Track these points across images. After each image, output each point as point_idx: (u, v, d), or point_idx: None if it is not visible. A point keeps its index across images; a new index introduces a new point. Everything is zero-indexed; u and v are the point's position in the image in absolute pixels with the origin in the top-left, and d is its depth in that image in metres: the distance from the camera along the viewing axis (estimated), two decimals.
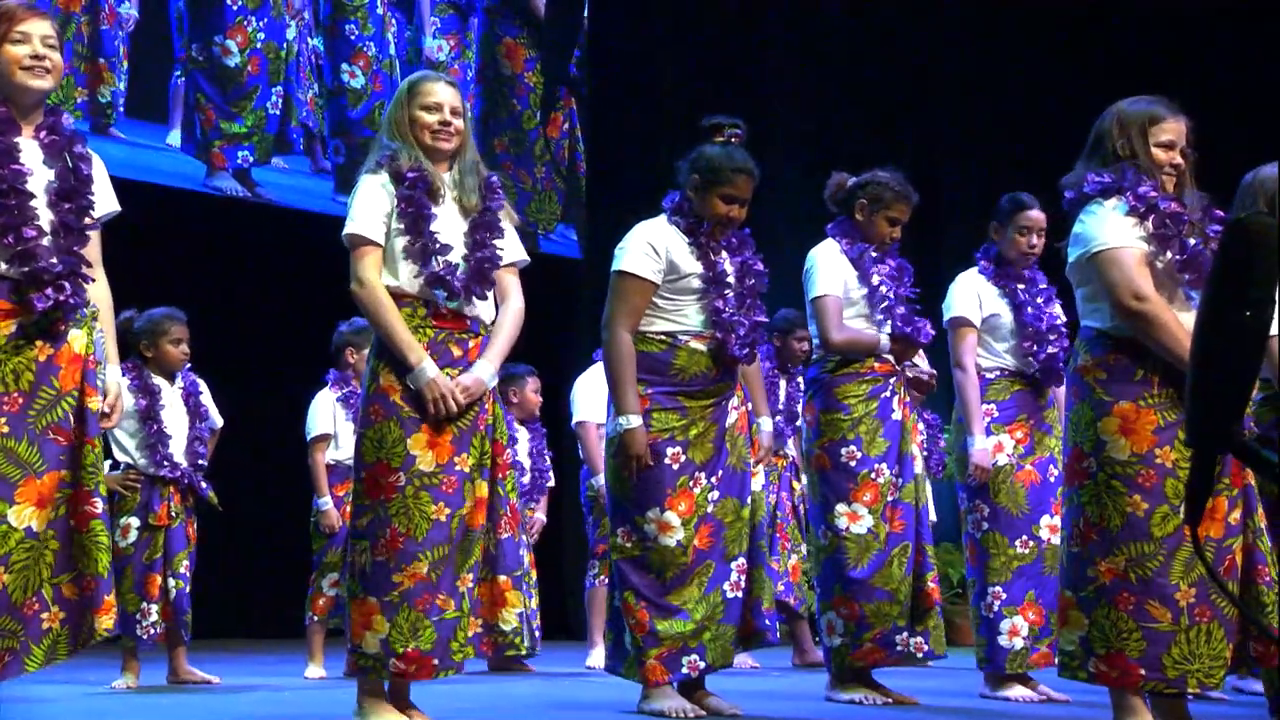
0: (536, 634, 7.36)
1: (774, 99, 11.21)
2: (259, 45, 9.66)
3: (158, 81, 9.43)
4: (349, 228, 4.36)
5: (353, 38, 10.16)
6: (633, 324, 4.92)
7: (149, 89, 9.39)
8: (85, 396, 3.93)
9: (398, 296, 4.34)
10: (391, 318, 4.30)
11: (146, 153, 9.28)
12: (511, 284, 4.52)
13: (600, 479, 7.10)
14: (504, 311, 4.49)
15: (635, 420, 4.86)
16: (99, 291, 4.07)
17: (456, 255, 4.35)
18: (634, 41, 11.39)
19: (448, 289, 4.33)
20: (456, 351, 4.36)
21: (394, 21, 10.39)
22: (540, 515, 7.60)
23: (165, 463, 6.25)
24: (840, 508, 5.34)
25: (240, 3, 9.60)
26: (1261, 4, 9.55)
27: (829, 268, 5.46)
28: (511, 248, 4.51)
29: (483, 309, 4.45)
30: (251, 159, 9.62)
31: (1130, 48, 10.36)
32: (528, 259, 4.59)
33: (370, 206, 4.36)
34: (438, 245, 4.32)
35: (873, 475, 5.35)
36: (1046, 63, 10.85)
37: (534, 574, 7.29)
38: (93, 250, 4.04)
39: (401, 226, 4.33)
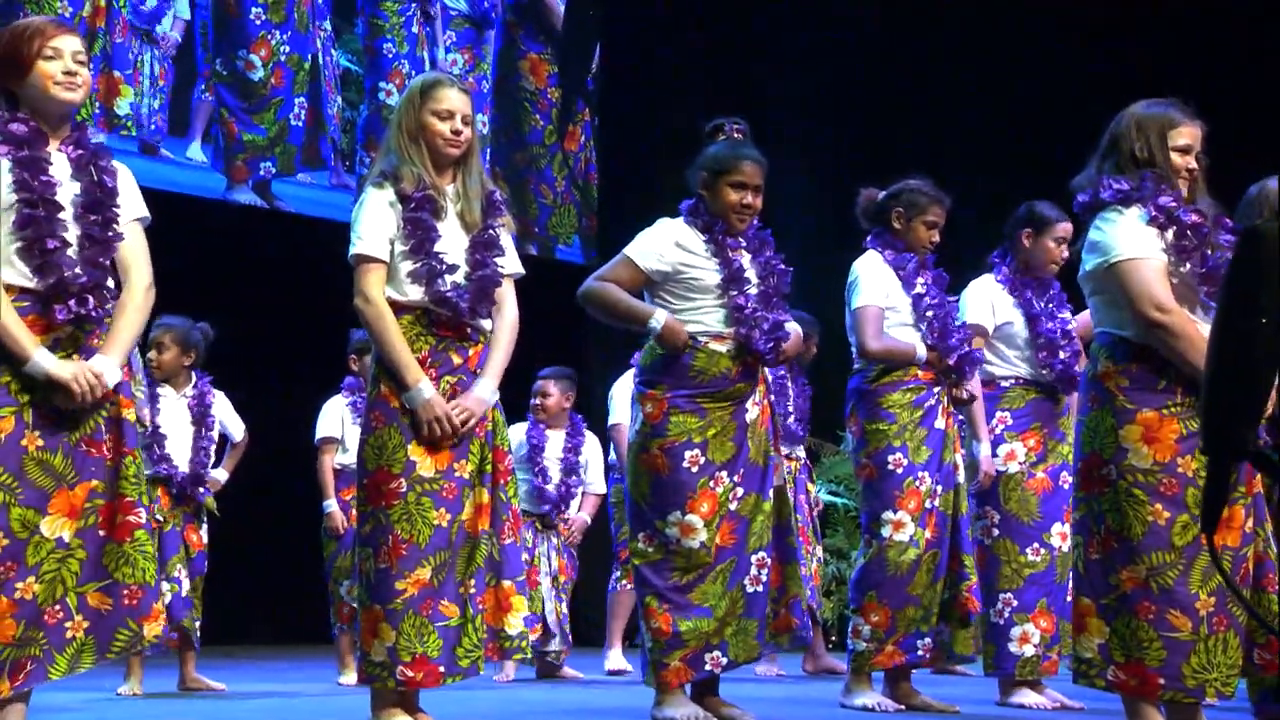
0: (568, 637, 7.29)
1: (782, 106, 11.11)
2: (282, 58, 9.62)
3: (178, 95, 9.37)
4: (356, 247, 4.32)
5: (390, 56, 10.12)
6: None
7: (169, 103, 9.34)
8: (120, 408, 3.92)
9: (401, 307, 4.31)
10: (393, 336, 4.27)
11: (167, 166, 9.23)
12: (507, 295, 4.47)
13: None
14: (500, 325, 4.43)
15: (661, 315, 4.81)
16: (137, 284, 3.99)
17: (461, 274, 4.32)
18: (643, 51, 11.31)
19: (453, 309, 4.30)
20: (457, 359, 4.33)
21: (427, 38, 10.35)
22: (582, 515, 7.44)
23: (162, 463, 6.20)
24: (886, 515, 5.30)
25: (264, 17, 9.56)
26: (1270, 6, 9.46)
27: (872, 278, 5.43)
28: (510, 261, 4.47)
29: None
30: (274, 170, 9.57)
31: (1139, 51, 10.25)
32: (522, 271, 4.54)
33: (376, 224, 4.32)
34: (444, 266, 4.29)
35: (916, 483, 5.30)
36: (1054, 67, 10.74)
37: (563, 579, 7.23)
38: (138, 247, 4.00)
39: (407, 248, 4.30)
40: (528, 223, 10.75)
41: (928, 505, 5.32)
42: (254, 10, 9.56)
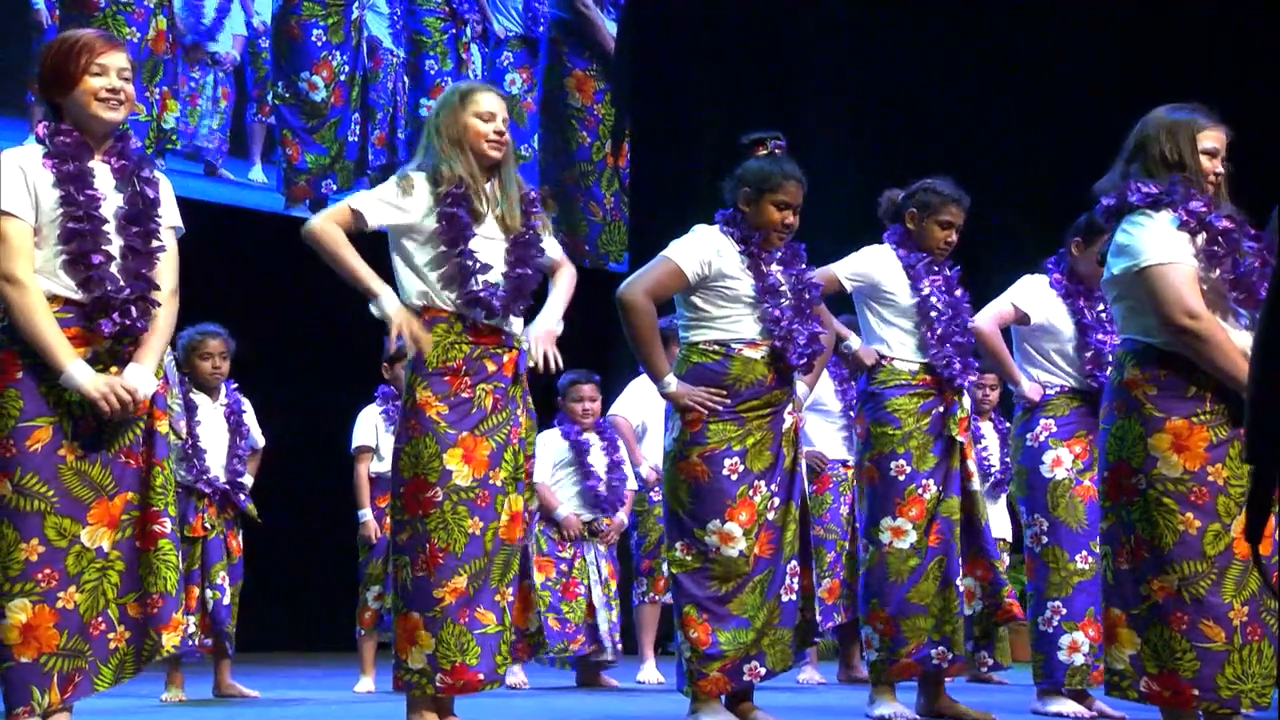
0: (617, 647, 7.13)
1: (812, 113, 11.00)
2: (342, 78, 9.58)
3: (236, 117, 9.34)
4: (354, 197, 4.28)
5: (432, 73, 10.01)
6: (652, 297, 4.74)
7: (229, 124, 9.31)
8: (154, 420, 3.87)
9: (436, 314, 4.24)
10: (343, 253, 4.20)
11: (226, 186, 9.18)
12: (564, 261, 4.50)
13: (643, 468, 7.00)
14: (561, 273, 4.46)
15: (673, 380, 4.70)
16: (164, 292, 3.92)
17: (496, 274, 4.24)
18: (672, 61, 11.15)
19: (487, 309, 4.21)
20: (491, 367, 4.26)
21: (469, 60, 10.24)
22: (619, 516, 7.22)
23: (202, 476, 6.14)
24: (885, 522, 5.13)
25: (325, 38, 9.51)
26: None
27: (857, 261, 5.25)
28: (551, 251, 4.43)
29: (516, 324, 4.35)
30: (335, 187, 9.50)
31: (1170, 57, 10.09)
32: (561, 251, 4.52)
33: (383, 201, 4.25)
34: (477, 265, 4.20)
35: (919, 490, 5.13)
36: (1085, 70, 10.66)
37: (614, 584, 7.09)
38: (169, 256, 3.93)
39: (439, 248, 4.22)
40: (578, 240, 10.63)
41: (932, 513, 5.14)
42: (315, 32, 9.51)
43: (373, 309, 4.19)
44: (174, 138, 8.97)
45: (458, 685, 4.13)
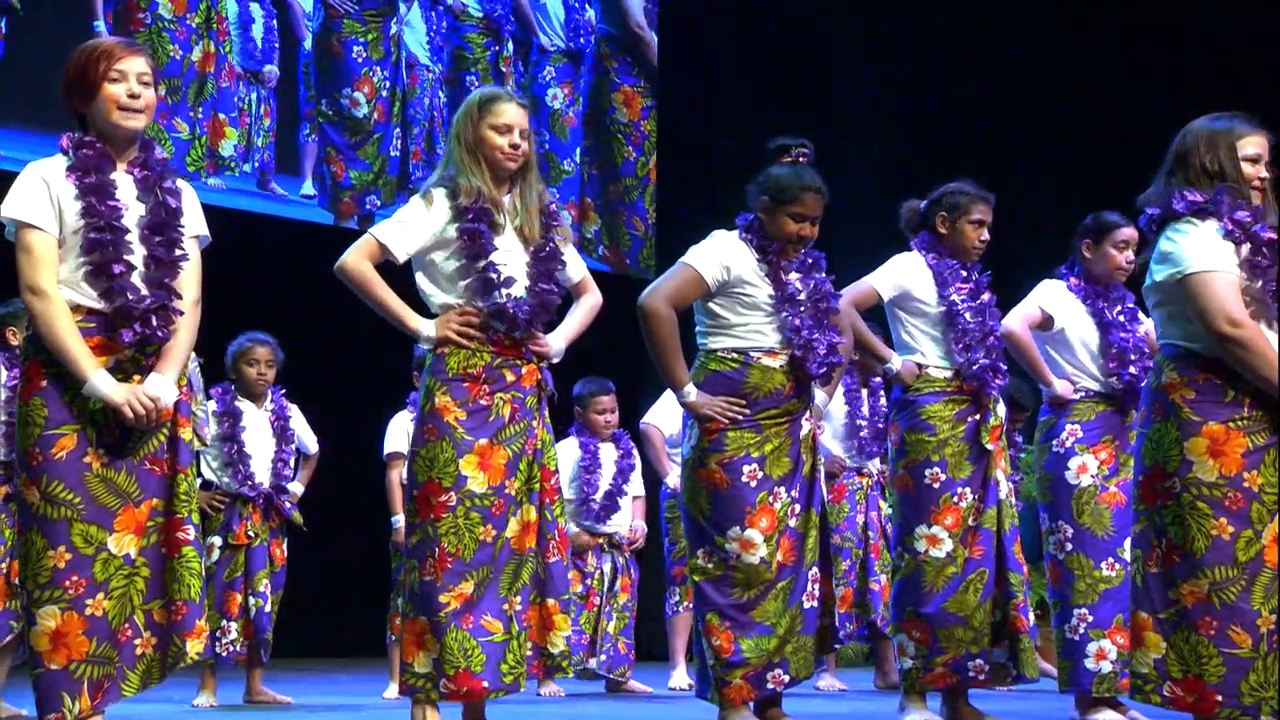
0: (623, 654, 7.02)
1: (844, 119, 10.89)
2: (384, 93, 9.55)
3: (285, 135, 9.31)
4: (378, 228, 4.21)
5: (472, 88, 9.93)
6: (673, 304, 4.66)
7: (275, 140, 9.30)
8: (178, 427, 3.86)
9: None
10: (379, 292, 4.22)
11: (276, 201, 9.17)
12: (589, 285, 4.44)
13: (672, 478, 6.81)
14: (584, 299, 4.43)
15: (692, 390, 4.61)
16: (186, 300, 3.87)
17: (519, 287, 4.18)
18: (700, 72, 11.06)
19: (510, 322, 4.15)
20: (510, 377, 4.20)
21: (514, 75, 10.18)
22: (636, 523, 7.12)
23: (246, 482, 6.14)
24: (920, 530, 5.03)
25: (365, 54, 9.49)
26: None
27: (892, 271, 5.16)
28: (573, 268, 4.37)
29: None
30: (378, 203, 9.47)
31: (1205, 66, 9.95)
32: (585, 271, 4.46)
33: (408, 227, 4.19)
34: (500, 278, 4.15)
35: (955, 499, 5.02)
36: (1122, 80, 10.52)
37: (624, 596, 7.00)
38: (191, 264, 3.90)
39: (462, 260, 4.17)
40: (619, 254, 10.56)
41: (970, 523, 5.04)
42: (355, 49, 9.49)
43: (422, 344, 4.24)
44: (232, 165, 8.94)
45: (461, 692, 4.05)
